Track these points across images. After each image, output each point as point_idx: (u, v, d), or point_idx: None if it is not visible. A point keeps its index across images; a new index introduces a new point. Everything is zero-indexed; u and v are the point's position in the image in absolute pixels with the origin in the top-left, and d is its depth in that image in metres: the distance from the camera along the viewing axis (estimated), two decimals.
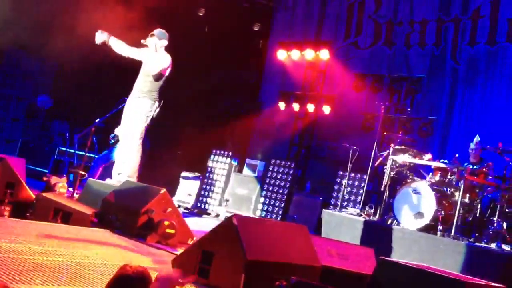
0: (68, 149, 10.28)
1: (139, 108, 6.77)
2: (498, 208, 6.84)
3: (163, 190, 5.90)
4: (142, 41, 6.78)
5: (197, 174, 11.51)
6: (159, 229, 5.48)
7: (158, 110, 6.80)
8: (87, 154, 7.97)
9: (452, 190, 7.35)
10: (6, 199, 5.60)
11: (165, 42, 6.86)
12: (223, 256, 4.16)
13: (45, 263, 3.62)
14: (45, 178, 7.07)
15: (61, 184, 6.88)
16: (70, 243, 4.56)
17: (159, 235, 5.48)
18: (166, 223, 5.52)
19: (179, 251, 4.70)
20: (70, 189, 7.61)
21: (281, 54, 11.94)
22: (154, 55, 6.74)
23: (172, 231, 5.51)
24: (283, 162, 10.65)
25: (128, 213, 5.75)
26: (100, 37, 6.68)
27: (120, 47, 6.82)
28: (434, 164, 7.63)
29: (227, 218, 4.40)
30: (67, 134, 10.47)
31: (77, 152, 9.65)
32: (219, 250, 4.20)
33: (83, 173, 7.65)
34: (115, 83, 10.17)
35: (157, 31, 6.83)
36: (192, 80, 12.64)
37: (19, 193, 5.86)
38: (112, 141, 8.59)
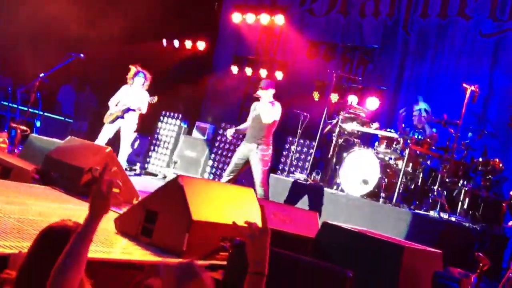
0: (10, 104, 9.88)
1: (259, 154, 7.04)
2: (439, 178, 7.06)
3: (109, 149, 5.79)
4: (254, 95, 7.23)
5: (145, 135, 11.34)
6: None
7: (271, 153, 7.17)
8: (30, 110, 7.69)
9: (396, 159, 7.52)
10: None
11: (272, 91, 7.13)
12: (167, 216, 4.13)
13: None
14: None
15: (1, 139, 6.63)
16: (9, 199, 4.42)
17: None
18: None
19: (124, 210, 4.63)
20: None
21: (236, 17, 11.77)
22: (266, 106, 7.04)
23: (117, 190, 5.42)
24: (233, 126, 10.61)
25: (71, 171, 5.62)
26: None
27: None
28: (381, 133, 7.76)
29: (173, 179, 4.36)
30: (9, 88, 10.04)
31: (20, 107, 9.30)
32: (164, 210, 4.16)
33: (25, 128, 7.39)
34: (62, 37, 9.80)
35: (264, 83, 7.18)
36: (145, 41, 12.33)
37: None
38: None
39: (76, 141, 6.32)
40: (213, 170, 10.42)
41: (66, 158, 5.80)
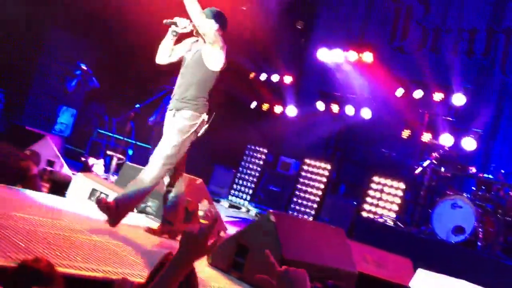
0: (106, 132, 10.30)
1: (180, 121, 4.60)
2: None
3: (199, 181, 5.84)
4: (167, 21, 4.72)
5: (230, 167, 11.47)
6: (193, 219, 5.42)
7: (206, 126, 4.68)
8: (125, 139, 7.97)
9: (495, 206, 7.06)
10: (45, 176, 5.61)
11: (216, 26, 4.69)
12: (258, 252, 4.07)
13: (85, 242, 3.60)
14: (83, 159, 7.09)
15: (98, 165, 6.88)
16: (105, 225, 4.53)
17: (192, 225, 5.42)
18: (201, 213, 5.46)
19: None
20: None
21: (323, 54, 11.77)
22: (206, 45, 4.61)
23: (206, 222, 5.45)
24: (318, 163, 10.50)
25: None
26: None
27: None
28: (478, 177, 7.36)
29: (265, 215, 4.31)
30: (106, 117, 10.49)
31: (114, 136, 9.67)
32: (255, 245, 4.11)
33: (121, 156, 7.65)
34: (154, 69, 10.16)
35: (211, 11, 4.69)
36: (230, 77, 12.53)
37: (59, 171, 5.87)
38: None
39: None
40: (296, 207, 10.31)
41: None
